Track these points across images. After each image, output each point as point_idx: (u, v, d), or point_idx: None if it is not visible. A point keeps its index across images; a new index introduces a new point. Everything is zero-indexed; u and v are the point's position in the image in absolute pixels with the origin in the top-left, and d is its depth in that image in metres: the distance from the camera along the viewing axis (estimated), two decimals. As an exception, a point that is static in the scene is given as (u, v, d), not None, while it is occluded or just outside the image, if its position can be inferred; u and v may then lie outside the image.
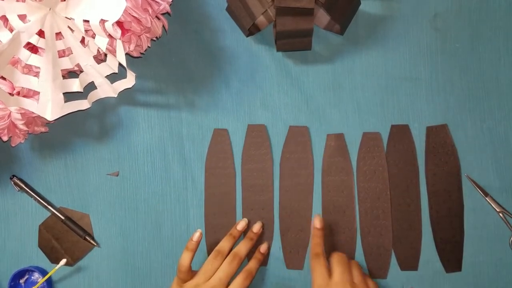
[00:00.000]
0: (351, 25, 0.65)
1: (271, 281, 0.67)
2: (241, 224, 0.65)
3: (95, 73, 0.62)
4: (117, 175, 0.68)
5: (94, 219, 0.68)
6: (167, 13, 0.62)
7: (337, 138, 0.66)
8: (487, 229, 0.65)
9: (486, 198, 0.64)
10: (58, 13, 0.58)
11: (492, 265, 0.65)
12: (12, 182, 0.68)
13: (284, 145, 0.66)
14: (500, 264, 0.65)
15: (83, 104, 0.62)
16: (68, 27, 0.59)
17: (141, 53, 0.64)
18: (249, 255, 0.64)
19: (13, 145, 0.64)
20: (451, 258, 0.64)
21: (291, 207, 0.66)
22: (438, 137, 0.65)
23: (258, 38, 0.67)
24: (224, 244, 0.63)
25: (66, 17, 0.57)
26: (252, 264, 0.63)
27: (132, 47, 0.61)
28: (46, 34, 0.58)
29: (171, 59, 0.68)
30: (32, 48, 0.60)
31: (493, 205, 0.64)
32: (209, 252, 0.63)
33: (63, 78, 0.61)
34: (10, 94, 0.59)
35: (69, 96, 0.62)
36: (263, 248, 0.65)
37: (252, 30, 0.65)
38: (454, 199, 0.64)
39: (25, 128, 0.61)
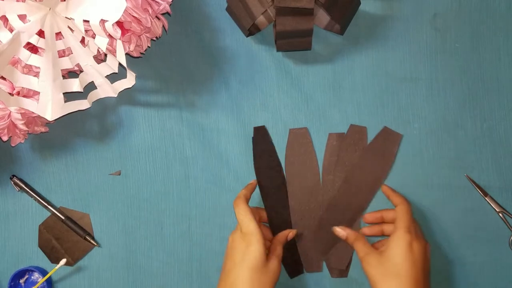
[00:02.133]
0: (351, 25, 0.65)
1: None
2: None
3: (95, 73, 0.62)
4: (119, 175, 0.68)
5: (95, 218, 0.68)
6: (167, 13, 0.62)
7: (338, 137, 0.66)
8: (487, 229, 0.65)
9: (486, 198, 0.64)
10: (58, 13, 0.58)
11: (492, 265, 0.65)
12: (12, 182, 0.68)
13: (287, 149, 0.66)
14: (500, 264, 0.65)
15: (83, 104, 0.62)
16: (68, 27, 0.59)
17: (141, 53, 0.64)
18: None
19: (13, 145, 0.64)
20: None
21: (302, 210, 0.66)
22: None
23: (258, 38, 0.67)
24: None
25: (66, 17, 0.57)
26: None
27: (132, 47, 0.61)
28: (46, 34, 0.58)
29: (171, 59, 0.68)
30: (32, 48, 0.59)
31: (492, 205, 0.64)
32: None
33: (63, 78, 0.61)
34: (10, 94, 0.59)
35: (69, 96, 0.62)
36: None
37: (252, 30, 0.65)
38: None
39: (25, 128, 0.61)
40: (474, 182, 0.64)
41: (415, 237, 0.57)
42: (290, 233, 0.64)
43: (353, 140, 0.66)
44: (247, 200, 0.63)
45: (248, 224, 0.59)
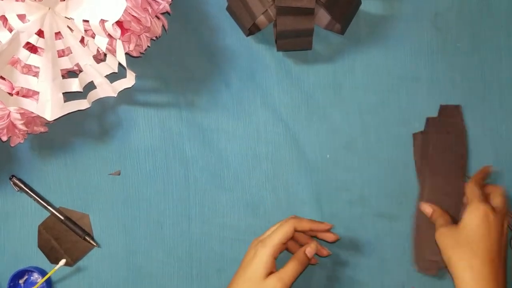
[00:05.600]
0: (352, 24, 0.65)
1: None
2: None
3: (95, 72, 0.62)
4: (119, 175, 0.68)
5: (95, 219, 0.68)
6: (167, 12, 0.62)
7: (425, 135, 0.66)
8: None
9: None
10: (57, 12, 0.57)
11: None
12: (12, 182, 0.68)
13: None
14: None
15: (82, 104, 0.62)
16: (68, 26, 0.58)
17: (140, 53, 0.64)
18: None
19: (12, 145, 0.64)
20: None
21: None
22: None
23: (259, 37, 0.67)
24: None
25: (65, 17, 0.57)
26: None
27: (131, 46, 0.61)
28: (46, 34, 0.58)
29: (171, 58, 0.68)
30: (32, 48, 0.59)
31: None
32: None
33: (63, 78, 0.61)
34: (9, 94, 0.59)
35: (68, 96, 0.61)
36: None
37: (252, 29, 0.65)
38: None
39: (24, 128, 0.61)
40: None
41: (492, 208, 0.56)
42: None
43: (446, 127, 0.64)
44: (301, 229, 0.61)
45: (273, 238, 0.58)
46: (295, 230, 0.60)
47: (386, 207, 0.65)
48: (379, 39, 0.66)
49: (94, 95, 0.63)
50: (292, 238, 0.61)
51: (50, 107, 0.59)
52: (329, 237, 0.62)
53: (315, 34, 0.63)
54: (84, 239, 0.67)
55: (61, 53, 0.61)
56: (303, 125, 0.67)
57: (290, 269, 0.57)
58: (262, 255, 0.57)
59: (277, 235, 0.59)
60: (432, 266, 0.63)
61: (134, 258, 0.68)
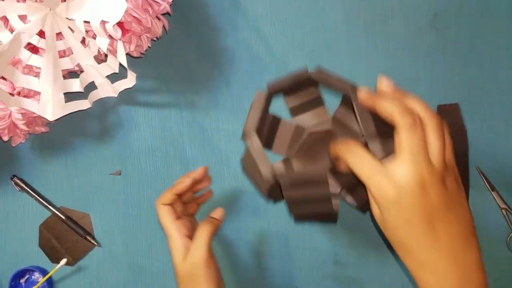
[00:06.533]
0: (352, 24, 0.65)
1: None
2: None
3: (96, 73, 0.62)
4: (120, 174, 0.68)
5: (95, 218, 0.68)
6: (167, 13, 0.62)
7: None
8: (487, 229, 0.65)
9: (492, 193, 0.64)
10: (58, 13, 0.58)
11: (492, 264, 0.65)
12: (13, 182, 0.68)
13: None
14: (500, 263, 0.65)
15: (83, 104, 0.62)
16: (69, 27, 0.59)
17: (141, 53, 0.64)
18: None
19: (13, 145, 0.64)
20: None
21: None
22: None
23: (258, 37, 0.67)
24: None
25: (66, 18, 0.58)
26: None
27: (132, 47, 0.61)
28: (47, 34, 0.58)
29: (171, 59, 0.68)
30: (33, 49, 0.60)
31: (497, 200, 0.64)
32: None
33: (64, 78, 0.61)
34: (10, 94, 0.59)
35: (69, 96, 0.62)
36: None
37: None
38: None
39: (25, 128, 0.61)
40: (484, 175, 0.64)
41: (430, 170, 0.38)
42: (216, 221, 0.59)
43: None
44: (171, 201, 0.59)
45: (164, 227, 0.58)
46: (167, 204, 0.59)
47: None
48: (378, 39, 0.66)
49: (95, 95, 0.63)
50: (183, 206, 0.62)
51: (51, 107, 0.59)
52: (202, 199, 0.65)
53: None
54: (85, 238, 0.67)
55: (62, 54, 0.61)
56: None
57: (197, 240, 0.57)
58: (170, 244, 0.58)
59: (162, 221, 0.58)
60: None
61: (135, 257, 0.68)
